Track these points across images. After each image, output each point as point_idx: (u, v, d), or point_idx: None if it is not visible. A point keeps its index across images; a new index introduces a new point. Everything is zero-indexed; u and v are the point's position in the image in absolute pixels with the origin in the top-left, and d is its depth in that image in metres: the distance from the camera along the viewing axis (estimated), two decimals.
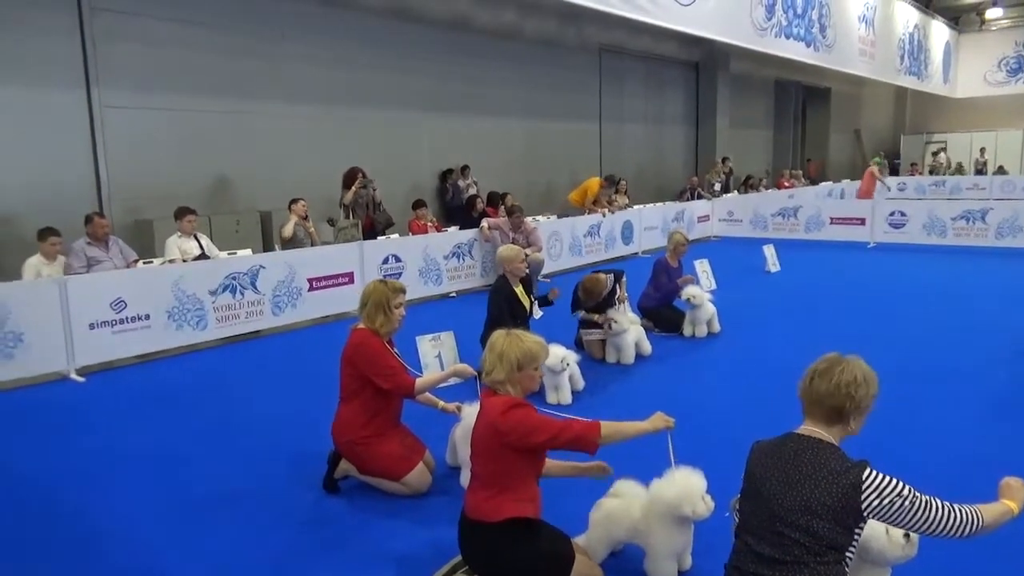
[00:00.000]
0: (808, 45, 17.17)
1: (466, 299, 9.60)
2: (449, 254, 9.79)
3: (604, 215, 12.36)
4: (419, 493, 3.91)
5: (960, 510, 2.17)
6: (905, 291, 9.26)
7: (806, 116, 24.49)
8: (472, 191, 11.89)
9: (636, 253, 12.99)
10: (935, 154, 25.24)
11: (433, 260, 9.55)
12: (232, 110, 9.73)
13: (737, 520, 2.47)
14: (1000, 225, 12.42)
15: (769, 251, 11.11)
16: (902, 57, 21.52)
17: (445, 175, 12.48)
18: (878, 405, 2.40)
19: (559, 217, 11.78)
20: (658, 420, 3.00)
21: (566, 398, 5.28)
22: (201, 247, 7.82)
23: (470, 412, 3.90)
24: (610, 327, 6.30)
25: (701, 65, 18.69)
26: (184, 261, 7.46)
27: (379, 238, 9.28)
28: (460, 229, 10.22)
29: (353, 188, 9.58)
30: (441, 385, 4.12)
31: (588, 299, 6.40)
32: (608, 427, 2.86)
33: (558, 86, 14.75)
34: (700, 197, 15.81)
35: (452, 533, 3.11)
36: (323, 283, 8.31)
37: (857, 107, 26.08)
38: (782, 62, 18.03)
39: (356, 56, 11.06)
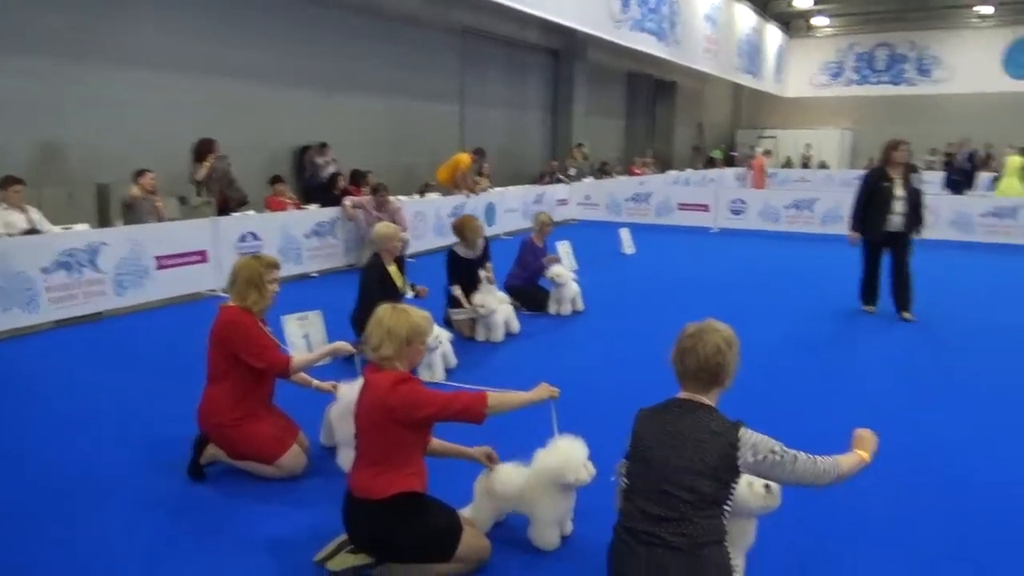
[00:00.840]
0: (659, 39, 18.02)
1: (328, 279, 9.33)
2: (310, 232, 9.45)
3: (468, 196, 12.40)
4: (294, 475, 3.77)
5: (823, 461, 2.40)
6: (746, 270, 10.06)
7: (655, 108, 25.75)
8: (332, 169, 11.53)
9: (498, 235, 13.15)
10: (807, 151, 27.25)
11: (293, 238, 9.19)
12: (64, 74, 8.82)
13: (624, 484, 2.59)
14: (825, 214, 13.71)
15: (625, 234, 11.63)
16: (740, 56, 23.08)
17: (302, 152, 12.01)
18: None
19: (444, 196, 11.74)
20: (543, 390, 3.06)
21: (439, 375, 5.28)
22: (31, 221, 7.07)
23: (347, 391, 3.81)
24: (479, 310, 6.36)
25: (561, 53, 19.12)
26: (10, 236, 6.72)
27: (234, 215, 8.80)
28: (321, 207, 9.89)
29: (207, 162, 8.99)
30: (317, 364, 3.99)
31: (467, 235, 6.62)
32: (495, 398, 2.90)
33: (421, 66, 14.57)
34: (559, 181, 16.23)
35: (331, 514, 3.03)
36: (173, 262, 7.78)
37: (700, 101, 27.73)
38: (635, 54, 18.81)
39: (210, 25, 10.34)
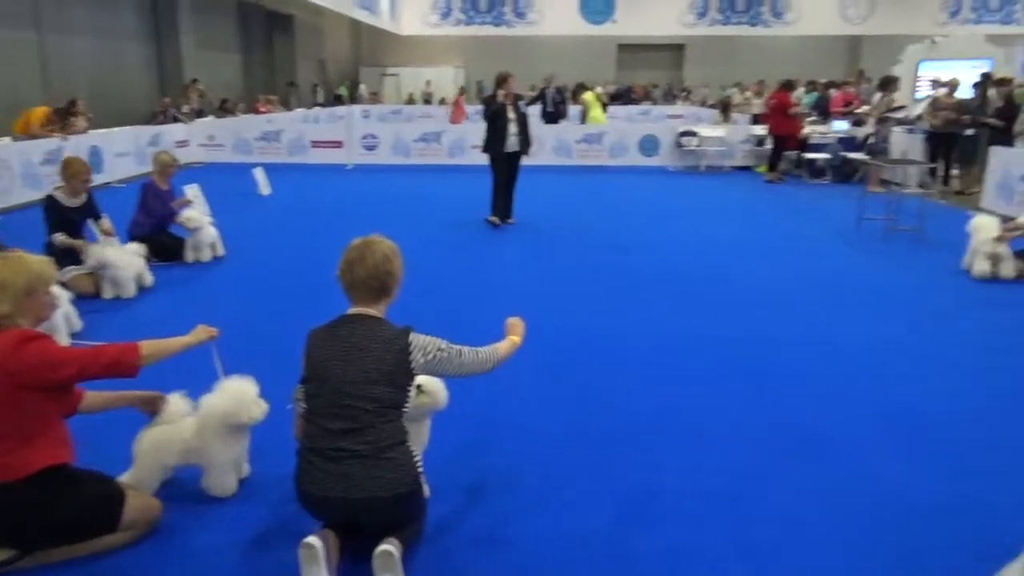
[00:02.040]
0: None
1: None
2: None
3: (65, 139, 10.63)
4: None
5: (483, 352, 2.66)
6: (386, 201, 10.42)
7: (273, 43, 24.55)
8: None
9: (109, 183, 11.56)
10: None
11: None
12: None
13: (303, 408, 2.57)
14: (451, 146, 14.64)
15: (260, 174, 11.09)
16: None
17: None
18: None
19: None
20: (201, 332, 2.87)
21: (64, 341, 4.57)
22: None
23: None
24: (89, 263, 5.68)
25: None
26: None
27: None
28: None
29: None
30: None
31: (69, 178, 5.87)
32: (148, 346, 2.63)
33: None
34: (175, 120, 14.74)
35: None
36: None
37: (320, 37, 27.14)
38: None
39: None
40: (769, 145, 13.47)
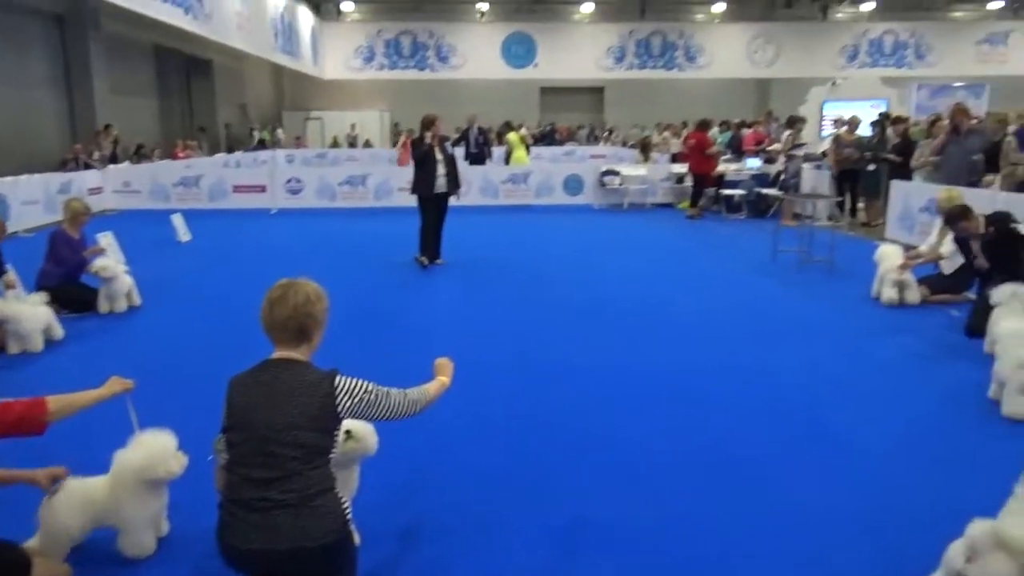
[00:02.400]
0: (187, 12, 16.83)
1: None
2: None
3: None
4: None
5: (413, 393, 2.63)
6: (310, 245, 10.28)
7: (191, 87, 24.13)
8: None
9: (16, 232, 11.01)
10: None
11: None
12: None
13: (224, 458, 2.48)
14: (377, 188, 14.61)
15: (178, 221, 10.79)
16: (276, 36, 22.89)
17: None
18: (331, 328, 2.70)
19: None
20: (114, 384, 2.75)
21: None
22: None
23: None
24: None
25: (67, 21, 16.59)
26: None
27: None
28: None
29: None
30: None
31: None
32: (56, 401, 2.50)
33: None
34: (87, 167, 14.23)
35: None
36: None
37: (241, 81, 26.83)
38: (162, 27, 17.27)
39: None
40: (689, 182, 13.97)
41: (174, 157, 18.12)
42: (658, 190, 14.98)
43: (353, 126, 28.19)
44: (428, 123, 8.41)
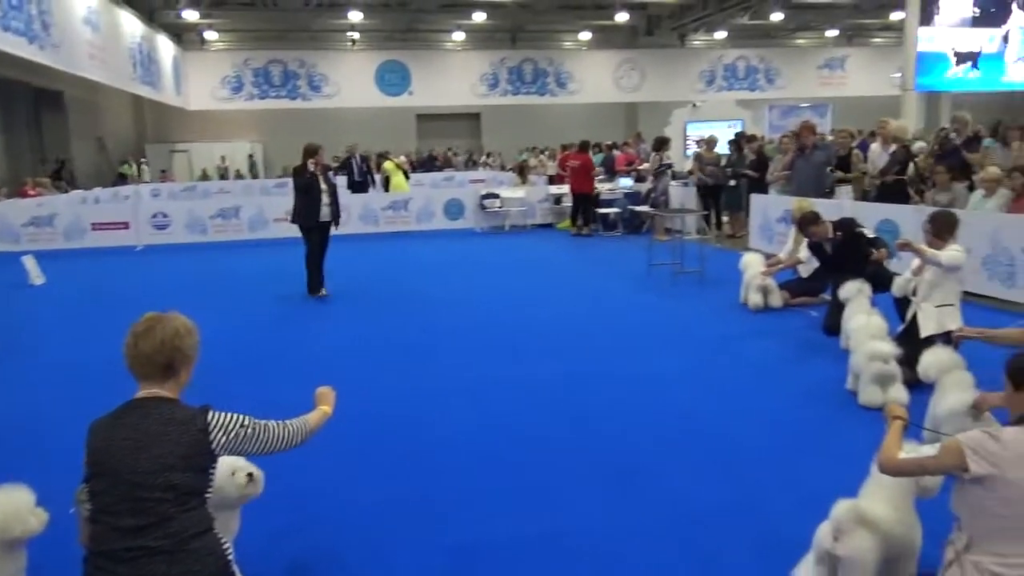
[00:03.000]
0: (31, 42, 15.73)
1: None
2: None
3: None
4: None
5: (291, 425, 2.54)
6: (180, 281, 9.77)
7: (41, 121, 22.52)
8: None
9: None
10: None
11: None
12: None
13: (87, 509, 2.30)
14: (251, 220, 14.11)
15: (30, 263, 9.98)
16: (135, 66, 21.79)
17: None
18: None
19: None
20: None
21: None
22: None
23: None
24: None
25: None
26: None
27: None
28: None
29: None
30: None
31: None
32: None
33: None
34: None
35: None
36: None
37: (97, 113, 25.30)
38: (4, 58, 16.07)
39: None
40: (567, 203, 14.37)
41: (23, 195, 16.79)
42: (537, 211, 15.30)
43: (223, 158, 27.18)
44: (311, 152, 8.22)
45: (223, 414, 2.37)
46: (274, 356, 6.13)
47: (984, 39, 16.44)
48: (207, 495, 2.34)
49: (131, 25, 21.21)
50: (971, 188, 8.34)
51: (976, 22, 16.32)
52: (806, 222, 6.44)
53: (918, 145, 11.13)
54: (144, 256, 12.66)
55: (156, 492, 2.19)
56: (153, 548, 2.16)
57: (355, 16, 23.96)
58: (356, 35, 27.31)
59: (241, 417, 2.40)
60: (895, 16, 23.20)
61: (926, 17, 15.85)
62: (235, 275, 10.24)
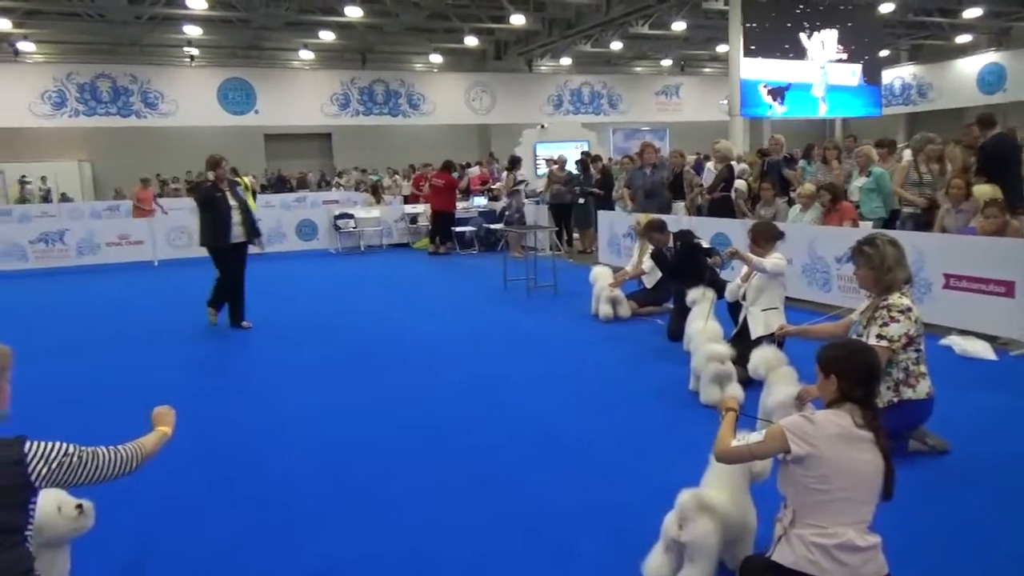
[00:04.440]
0: None
1: None
2: None
3: None
4: None
5: (124, 450, 2.36)
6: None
7: None
8: None
9: None
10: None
11: None
12: None
13: None
14: (80, 244, 13.01)
15: None
16: None
17: None
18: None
19: None
20: None
21: None
22: None
23: None
24: None
25: None
26: None
27: None
28: None
29: None
30: None
31: None
32: None
33: None
34: None
35: None
36: None
37: None
38: None
39: None
40: (423, 222, 14.37)
41: None
42: (394, 231, 15.18)
43: (44, 179, 24.89)
44: (213, 164, 7.41)
45: (43, 443, 2.17)
46: (92, 386, 5.66)
47: (794, 72, 18.17)
48: (28, 532, 2.13)
49: None
50: (790, 203, 9.17)
51: (786, 55, 18.02)
52: (652, 228, 6.85)
53: (741, 166, 12.12)
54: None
55: None
56: None
57: (192, 31, 22.85)
58: (195, 51, 26.03)
59: (65, 445, 2.21)
60: (721, 48, 25.18)
61: (748, 50, 17.30)
62: (74, 304, 9.40)
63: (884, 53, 21.14)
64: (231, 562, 3.09)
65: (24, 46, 24.92)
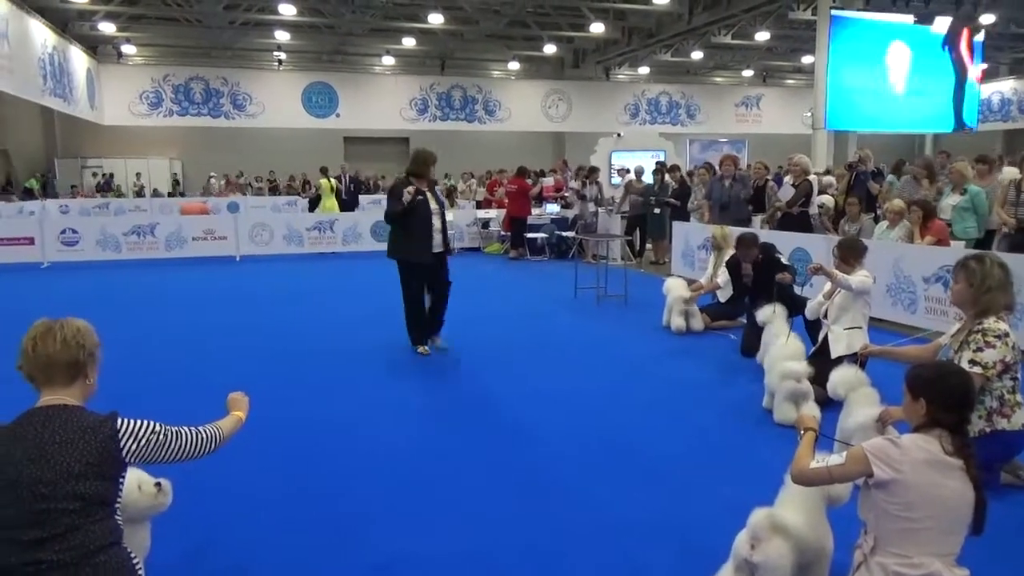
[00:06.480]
0: None
1: None
2: None
3: None
4: None
5: (205, 430, 2.45)
6: (86, 302, 9.27)
7: None
8: None
9: None
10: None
11: None
12: None
13: None
14: (168, 238, 13.63)
15: None
16: (45, 78, 20.88)
17: None
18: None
19: None
20: None
21: None
22: None
23: None
24: None
25: None
26: None
27: None
28: None
29: None
30: None
31: None
32: None
33: None
34: None
35: None
36: None
37: (2, 126, 24.07)
38: None
39: None
40: (494, 227, 14.48)
41: None
42: (465, 235, 15.33)
43: (139, 175, 26.21)
44: (422, 161, 6.31)
45: (133, 420, 2.27)
46: (172, 368, 5.90)
47: (886, 82, 17.54)
48: (116, 505, 2.23)
49: (42, 35, 20.35)
50: (876, 219, 8.82)
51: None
52: (745, 242, 6.61)
53: (827, 179, 11.73)
54: (50, 273, 12.05)
55: (62, 502, 2.07)
56: (55, 561, 2.03)
57: (282, 36, 23.68)
58: (283, 55, 26.97)
59: (152, 424, 2.31)
60: (807, 59, 24.50)
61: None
62: (167, 295, 9.83)
63: (982, 67, 20.17)
64: (298, 547, 3.16)
65: (127, 49, 26.34)
